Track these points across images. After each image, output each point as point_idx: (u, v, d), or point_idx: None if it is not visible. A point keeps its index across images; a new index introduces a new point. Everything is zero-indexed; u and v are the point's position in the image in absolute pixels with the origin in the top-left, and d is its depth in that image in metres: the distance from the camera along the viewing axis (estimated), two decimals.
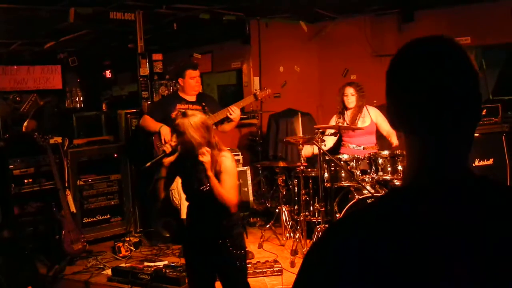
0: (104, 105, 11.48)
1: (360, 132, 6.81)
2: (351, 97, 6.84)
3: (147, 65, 8.18)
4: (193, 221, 4.17)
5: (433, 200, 1.17)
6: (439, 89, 1.20)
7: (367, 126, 6.81)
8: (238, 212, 4.13)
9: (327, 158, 6.35)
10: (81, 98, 9.27)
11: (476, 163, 7.03)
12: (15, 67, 8.38)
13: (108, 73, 13.33)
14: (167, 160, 3.98)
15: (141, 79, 8.12)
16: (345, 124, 6.83)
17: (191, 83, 6.63)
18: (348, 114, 6.94)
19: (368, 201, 5.65)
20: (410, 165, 1.30)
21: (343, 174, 6.40)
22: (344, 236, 1.19)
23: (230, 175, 3.93)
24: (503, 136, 7.28)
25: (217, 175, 3.91)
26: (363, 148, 6.83)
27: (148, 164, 4.17)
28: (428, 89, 1.20)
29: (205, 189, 3.92)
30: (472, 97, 1.23)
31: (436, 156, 1.23)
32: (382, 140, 7.07)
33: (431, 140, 1.23)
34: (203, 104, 6.64)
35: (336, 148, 7.09)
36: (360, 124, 6.83)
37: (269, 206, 8.57)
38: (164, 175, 4.03)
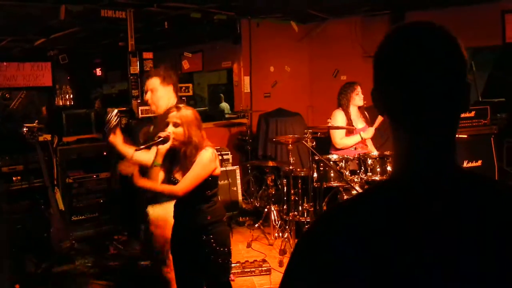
0: (97, 102, 11.46)
1: (353, 134, 6.78)
2: (361, 95, 6.79)
3: (138, 63, 8.17)
4: (178, 216, 4.18)
5: (418, 194, 1.17)
6: (424, 82, 1.18)
7: (361, 129, 6.79)
8: (223, 209, 4.17)
9: (317, 158, 6.36)
10: (71, 96, 9.24)
11: (465, 164, 7.06)
12: (5, 63, 8.34)
13: (98, 71, 13.31)
14: (163, 148, 3.99)
15: (131, 77, 8.11)
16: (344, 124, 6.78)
17: None
18: (353, 112, 6.87)
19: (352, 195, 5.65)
20: (397, 159, 1.29)
21: (332, 174, 6.41)
22: (329, 233, 1.18)
23: (197, 165, 3.94)
24: (491, 138, 7.31)
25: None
26: (355, 149, 6.82)
27: (143, 147, 4.18)
28: (413, 81, 1.19)
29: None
30: (459, 87, 1.22)
31: (422, 150, 1.22)
32: (375, 141, 7.06)
33: (417, 134, 1.23)
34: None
35: (326, 148, 7.08)
36: (358, 125, 6.81)
37: (258, 205, 8.58)
38: (160, 163, 4.05)
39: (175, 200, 4.25)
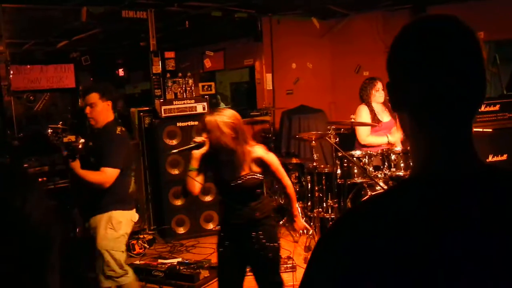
0: (120, 103, 11.51)
1: (378, 128, 6.71)
2: (382, 92, 6.72)
3: (160, 63, 8.21)
4: (227, 214, 4.25)
5: (444, 191, 1.14)
6: (443, 76, 1.16)
7: (386, 123, 6.73)
8: (270, 205, 4.25)
9: (340, 154, 6.33)
10: None
11: (490, 158, 6.98)
12: (28, 66, 8.43)
13: (120, 72, 13.38)
14: (197, 152, 4.09)
15: (153, 77, 8.15)
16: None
17: None
18: (377, 107, 6.80)
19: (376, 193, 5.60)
20: (417, 154, 1.25)
21: (356, 171, 6.38)
22: (353, 231, 1.16)
23: (278, 164, 4.20)
24: None
25: (250, 168, 4.06)
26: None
27: (176, 150, 4.42)
28: (431, 77, 1.17)
29: (237, 182, 4.03)
30: (479, 81, 1.19)
31: (445, 145, 1.19)
32: None
33: (436, 129, 1.20)
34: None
35: (350, 144, 7.03)
36: (384, 118, 6.74)
37: (282, 202, 8.56)
38: (196, 167, 4.14)
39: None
